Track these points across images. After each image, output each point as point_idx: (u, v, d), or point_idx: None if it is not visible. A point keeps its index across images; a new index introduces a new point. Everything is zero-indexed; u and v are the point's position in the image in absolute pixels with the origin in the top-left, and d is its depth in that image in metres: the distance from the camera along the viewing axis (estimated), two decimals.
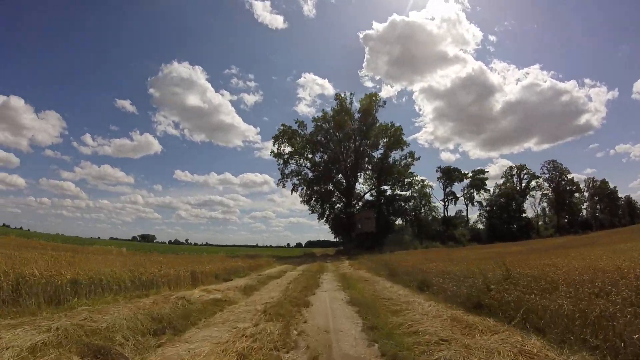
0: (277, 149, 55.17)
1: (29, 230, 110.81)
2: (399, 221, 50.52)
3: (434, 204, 56.67)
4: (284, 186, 56.62)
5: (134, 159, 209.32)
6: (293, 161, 55.98)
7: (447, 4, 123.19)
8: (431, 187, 56.71)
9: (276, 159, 56.24)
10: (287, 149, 55.25)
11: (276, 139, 54.67)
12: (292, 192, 56.90)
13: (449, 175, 63.51)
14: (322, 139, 53.71)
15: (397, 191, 50.58)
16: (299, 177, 56.05)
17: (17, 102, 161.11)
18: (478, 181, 66.99)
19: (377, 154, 52.48)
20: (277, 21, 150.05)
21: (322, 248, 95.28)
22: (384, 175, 50.43)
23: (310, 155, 55.00)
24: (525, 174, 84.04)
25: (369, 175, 53.80)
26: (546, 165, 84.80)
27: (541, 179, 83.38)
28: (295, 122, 54.50)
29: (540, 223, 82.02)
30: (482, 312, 6.98)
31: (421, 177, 54.98)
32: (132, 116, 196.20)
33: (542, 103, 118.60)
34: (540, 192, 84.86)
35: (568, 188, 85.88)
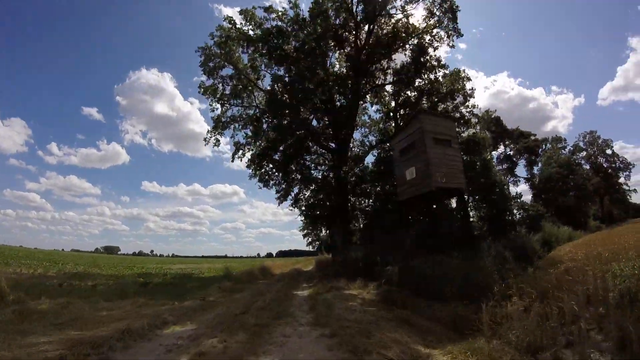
0: (209, 77, 27.75)
1: None
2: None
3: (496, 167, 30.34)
4: (216, 143, 28.90)
5: (101, 169, 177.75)
6: (237, 99, 28.86)
7: (415, 11, 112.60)
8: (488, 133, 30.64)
9: (207, 98, 28.92)
10: (227, 71, 28.13)
11: (207, 56, 27.02)
12: (232, 159, 29.70)
13: (503, 129, 38.32)
14: (292, 43, 26.49)
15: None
16: (245, 122, 28.99)
17: None
18: (533, 144, 42.71)
19: (394, 67, 26.04)
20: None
21: (292, 258, 68.11)
22: (412, 94, 23.99)
23: (267, 78, 28.18)
24: (561, 147, 61.59)
25: (382, 104, 27.46)
26: (582, 138, 62.95)
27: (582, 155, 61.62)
28: (240, 13, 26.84)
29: None
30: None
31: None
32: (99, 124, 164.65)
33: (509, 110, 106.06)
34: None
35: (615, 166, 63.90)
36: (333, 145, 27.18)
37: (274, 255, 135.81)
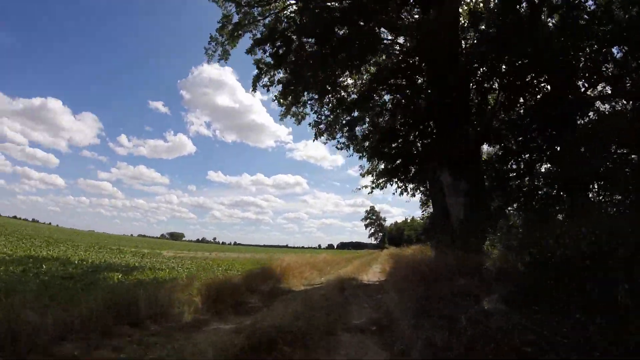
0: None
1: (57, 225, 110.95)
2: None
3: None
4: (224, 55, 17.13)
5: (168, 159, 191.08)
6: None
7: None
8: None
9: (220, 6, 17.28)
10: None
11: None
12: (253, 86, 17.16)
13: None
14: None
15: None
16: (269, 30, 16.73)
17: (54, 103, 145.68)
18: None
19: None
20: None
21: (351, 252, 56.03)
22: None
23: None
24: None
25: None
26: None
27: None
28: None
29: None
30: None
31: None
32: (165, 117, 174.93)
33: None
34: None
35: None
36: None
37: (335, 247, 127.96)
